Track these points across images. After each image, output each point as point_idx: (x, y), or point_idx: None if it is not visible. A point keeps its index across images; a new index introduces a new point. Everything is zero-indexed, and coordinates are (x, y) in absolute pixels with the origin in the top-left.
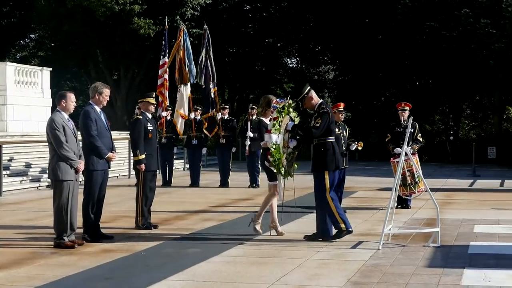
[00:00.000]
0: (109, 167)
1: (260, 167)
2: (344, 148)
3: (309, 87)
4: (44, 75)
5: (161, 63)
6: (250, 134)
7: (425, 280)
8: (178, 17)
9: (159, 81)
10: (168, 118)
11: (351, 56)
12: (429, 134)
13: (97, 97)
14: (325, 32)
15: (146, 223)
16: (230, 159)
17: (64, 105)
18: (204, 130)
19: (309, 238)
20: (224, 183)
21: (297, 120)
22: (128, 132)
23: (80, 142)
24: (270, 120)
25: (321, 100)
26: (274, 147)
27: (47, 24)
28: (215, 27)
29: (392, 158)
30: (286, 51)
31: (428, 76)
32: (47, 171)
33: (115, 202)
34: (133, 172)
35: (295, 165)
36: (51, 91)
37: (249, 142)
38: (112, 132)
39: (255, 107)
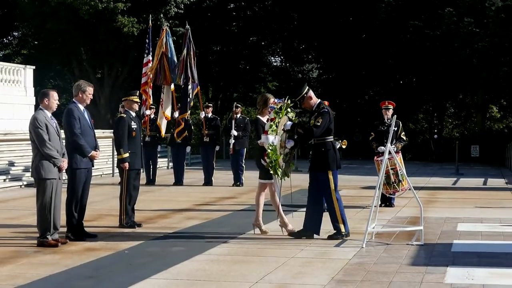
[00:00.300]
0: (93, 166)
1: (244, 166)
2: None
3: (307, 87)
4: (27, 73)
5: (144, 61)
6: (234, 132)
7: (409, 278)
8: (162, 15)
9: (143, 80)
10: (152, 116)
11: (335, 55)
12: (413, 132)
13: (80, 95)
14: (309, 30)
15: (130, 221)
16: (214, 158)
17: (47, 103)
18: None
19: (293, 235)
20: (208, 182)
21: (295, 120)
22: (112, 130)
23: (64, 141)
24: (267, 120)
25: (320, 100)
26: (271, 148)
27: (30, 22)
28: (199, 25)
29: (375, 157)
30: (270, 50)
31: (411, 74)
32: (30, 170)
33: (98, 201)
34: (116, 170)
35: (292, 165)
36: (34, 89)
37: (233, 141)
38: (95, 131)
39: (239, 105)
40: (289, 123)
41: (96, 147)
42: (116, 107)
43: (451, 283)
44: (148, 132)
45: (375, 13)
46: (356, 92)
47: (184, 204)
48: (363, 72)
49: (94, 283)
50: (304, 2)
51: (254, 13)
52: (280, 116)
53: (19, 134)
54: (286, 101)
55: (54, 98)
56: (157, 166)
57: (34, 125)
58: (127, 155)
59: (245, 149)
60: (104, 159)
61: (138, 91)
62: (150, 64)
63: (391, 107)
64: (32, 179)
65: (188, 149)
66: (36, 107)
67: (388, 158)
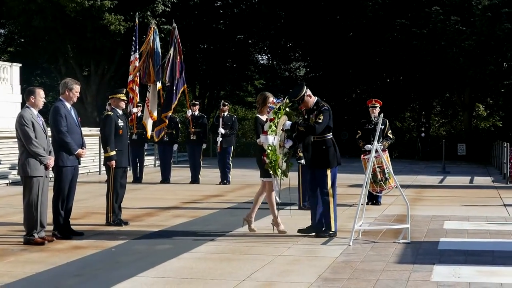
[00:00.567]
0: (79, 164)
1: (231, 164)
2: None
3: (305, 86)
4: (13, 71)
5: (131, 59)
6: (221, 130)
7: (395, 276)
8: (149, 13)
9: (130, 77)
10: (139, 114)
11: (322, 53)
12: (400, 131)
13: (67, 93)
14: (296, 28)
15: (117, 219)
16: (200, 156)
17: (33, 101)
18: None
19: (302, 231)
20: (195, 180)
21: (293, 120)
22: (99, 128)
23: (50, 138)
24: (266, 121)
25: (317, 98)
26: (270, 148)
27: (17, 19)
28: (186, 23)
29: (362, 155)
30: (257, 48)
31: (398, 73)
32: (17, 167)
33: (85, 199)
34: (103, 168)
35: (290, 165)
36: (21, 87)
37: (220, 139)
38: (82, 128)
39: (226, 103)
40: (289, 122)
41: (82, 145)
42: (103, 105)
43: (438, 281)
44: (135, 130)
45: (362, 12)
46: (343, 90)
47: (171, 202)
48: (350, 70)
49: (80, 281)
50: (291, 0)
51: (241, 11)
52: (279, 116)
53: (5, 132)
54: (284, 100)
55: (40, 95)
56: (144, 164)
57: (21, 122)
58: (114, 153)
59: (232, 147)
60: (91, 157)
61: (125, 89)
62: (137, 62)
63: (378, 105)
64: (18, 177)
65: (175, 147)
66: (23, 104)
67: (375, 156)
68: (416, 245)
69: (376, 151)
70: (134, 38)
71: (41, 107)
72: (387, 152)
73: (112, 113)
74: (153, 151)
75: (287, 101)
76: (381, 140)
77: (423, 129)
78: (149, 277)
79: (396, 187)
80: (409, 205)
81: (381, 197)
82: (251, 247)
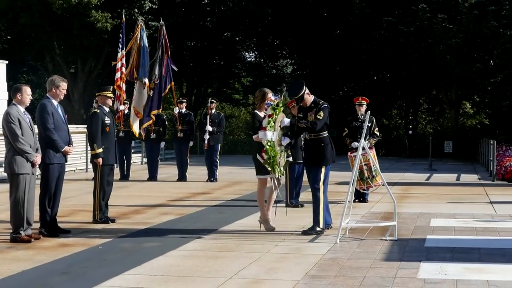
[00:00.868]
0: (66, 161)
1: (218, 161)
2: (302, 142)
3: (304, 84)
4: (0, 68)
5: (118, 56)
6: (209, 128)
7: (382, 273)
8: (136, 10)
9: (117, 75)
10: (126, 111)
11: (309, 51)
12: (387, 128)
13: (54, 90)
14: (283, 26)
15: (104, 217)
16: (188, 153)
17: (19, 98)
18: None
19: (305, 232)
20: (182, 177)
21: (288, 117)
22: (86, 125)
23: (37, 136)
24: (265, 117)
25: (314, 96)
26: (269, 144)
27: (3, 16)
28: (173, 20)
29: (349, 152)
30: (244, 45)
31: (385, 70)
32: (3, 165)
33: (72, 196)
34: (90, 166)
35: (286, 162)
36: (7, 84)
37: (208, 136)
38: (69, 126)
39: (214, 101)
40: (287, 120)
41: (69, 143)
42: (90, 102)
43: (425, 278)
44: (122, 128)
45: (349, 9)
46: (330, 88)
47: (158, 200)
48: (337, 68)
49: (67, 278)
50: None
51: (228, 8)
52: (277, 112)
53: None
54: (282, 97)
55: (27, 93)
56: (131, 161)
57: (7, 120)
58: (100, 150)
59: (220, 144)
60: (78, 154)
61: (111, 86)
62: (124, 59)
63: (365, 103)
64: (5, 174)
65: (162, 144)
66: (9, 102)
67: (362, 154)
68: (403, 242)
69: (363, 148)
70: (121, 36)
71: (27, 105)
72: (373, 149)
73: (99, 111)
74: (140, 148)
75: (286, 98)
76: (368, 137)
77: (410, 126)
78: (136, 274)
79: (383, 185)
80: (396, 203)
81: (368, 194)
82: (238, 244)
